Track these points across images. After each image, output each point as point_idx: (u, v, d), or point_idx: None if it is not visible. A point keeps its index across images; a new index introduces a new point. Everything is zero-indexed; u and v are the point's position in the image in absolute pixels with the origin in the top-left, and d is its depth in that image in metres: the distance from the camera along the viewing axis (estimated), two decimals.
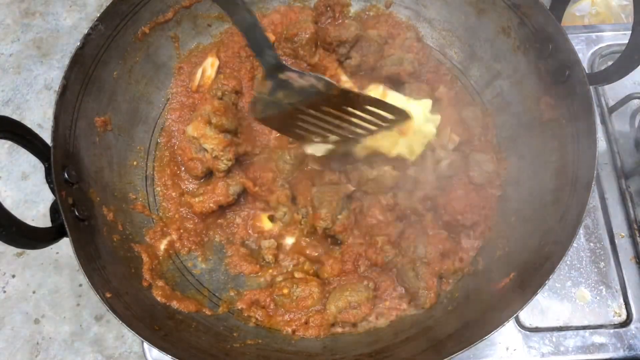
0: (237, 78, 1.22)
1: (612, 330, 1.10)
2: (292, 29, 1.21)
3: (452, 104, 1.18)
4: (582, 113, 0.97)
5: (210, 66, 1.21)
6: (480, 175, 1.11)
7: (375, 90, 1.14)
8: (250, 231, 1.14)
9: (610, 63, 1.05)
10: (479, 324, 0.90)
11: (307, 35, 1.20)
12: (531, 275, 0.91)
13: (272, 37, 1.24)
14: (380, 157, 1.09)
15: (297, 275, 1.05)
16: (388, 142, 1.07)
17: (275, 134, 1.19)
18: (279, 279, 1.06)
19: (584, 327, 1.10)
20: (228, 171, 1.12)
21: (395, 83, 1.23)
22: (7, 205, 0.76)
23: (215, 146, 1.09)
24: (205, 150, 1.10)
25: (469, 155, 1.14)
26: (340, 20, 1.27)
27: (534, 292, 0.83)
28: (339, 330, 1.03)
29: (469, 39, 1.23)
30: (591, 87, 0.95)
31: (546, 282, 0.83)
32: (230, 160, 1.10)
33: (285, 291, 1.02)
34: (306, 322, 1.02)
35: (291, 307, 1.03)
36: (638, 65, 0.90)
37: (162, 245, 1.08)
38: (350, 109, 0.97)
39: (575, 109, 0.99)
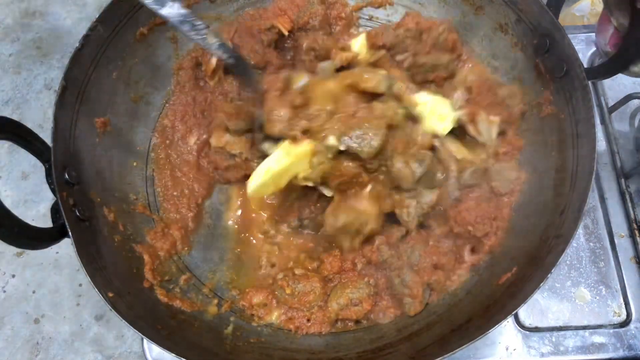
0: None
1: (611, 330, 1.10)
2: (302, 17, 1.19)
3: (485, 88, 1.10)
4: (580, 107, 0.97)
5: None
6: (503, 185, 1.06)
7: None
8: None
9: None
10: (482, 318, 0.90)
11: (320, 18, 1.18)
12: (533, 270, 0.91)
13: (288, 25, 1.19)
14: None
15: (298, 272, 1.05)
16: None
17: None
18: (280, 276, 1.06)
19: (584, 327, 1.10)
20: None
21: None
22: (7, 205, 0.76)
23: (242, 149, 1.09)
24: (235, 156, 1.10)
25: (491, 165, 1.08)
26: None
27: (537, 286, 0.83)
28: (341, 327, 1.03)
29: (467, 36, 1.23)
30: (590, 84, 0.95)
31: (548, 275, 0.83)
32: (261, 158, 1.09)
33: (287, 288, 1.03)
34: (308, 320, 1.02)
35: (293, 304, 1.03)
36: (636, 59, 0.90)
37: (164, 246, 1.08)
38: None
39: (574, 103, 0.99)
